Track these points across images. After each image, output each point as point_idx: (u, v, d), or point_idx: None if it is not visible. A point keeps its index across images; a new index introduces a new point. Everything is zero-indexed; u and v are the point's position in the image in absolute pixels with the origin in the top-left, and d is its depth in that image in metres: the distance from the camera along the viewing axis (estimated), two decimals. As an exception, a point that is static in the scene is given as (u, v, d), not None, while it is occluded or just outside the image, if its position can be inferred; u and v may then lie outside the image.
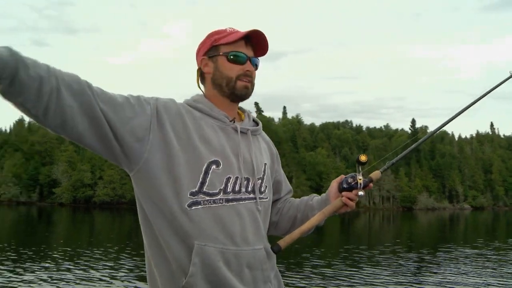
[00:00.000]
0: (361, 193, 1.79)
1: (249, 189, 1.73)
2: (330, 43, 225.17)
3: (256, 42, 1.80)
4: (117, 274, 12.13)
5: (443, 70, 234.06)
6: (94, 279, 11.45)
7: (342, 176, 1.89)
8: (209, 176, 1.63)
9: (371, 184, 1.87)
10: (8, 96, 1.35)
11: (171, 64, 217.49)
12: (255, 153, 1.80)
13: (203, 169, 1.63)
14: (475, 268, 13.96)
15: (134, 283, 11.09)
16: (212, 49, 1.78)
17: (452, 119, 2.29)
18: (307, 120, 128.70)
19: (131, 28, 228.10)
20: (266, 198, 1.81)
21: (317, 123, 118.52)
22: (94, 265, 13.45)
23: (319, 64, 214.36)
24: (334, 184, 1.90)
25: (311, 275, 12.29)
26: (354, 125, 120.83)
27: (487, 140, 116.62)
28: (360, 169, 1.82)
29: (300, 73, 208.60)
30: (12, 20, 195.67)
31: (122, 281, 11.29)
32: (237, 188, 1.69)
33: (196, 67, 1.86)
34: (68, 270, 12.55)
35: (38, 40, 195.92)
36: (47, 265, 13.37)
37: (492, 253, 17.90)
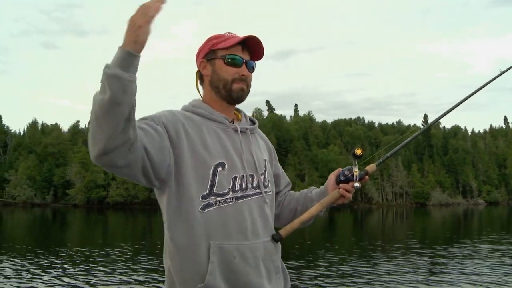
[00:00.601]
0: (357, 184, 1.89)
1: (255, 184, 1.84)
2: (340, 41, 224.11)
3: (252, 47, 1.89)
4: (133, 275, 12.15)
5: (454, 65, 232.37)
6: (110, 280, 11.50)
7: (339, 169, 2.00)
8: (217, 177, 1.74)
9: (367, 177, 1.97)
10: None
11: (181, 64, 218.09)
12: (255, 150, 1.91)
13: (211, 172, 1.74)
14: (490, 263, 13.83)
15: (151, 284, 11.12)
16: (211, 52, 1.88)
17: (445, 114, 2.47)
18: (318, 118, 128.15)
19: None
20: (270, 191, 1.92)
21: (329, 120, 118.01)
22: (110, 266, 13.50)
23: (329, 62, 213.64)
24: (331, 177, 2.01)
25: (326, 272, 12.25)
26: (366, 121, 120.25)
27: (501, 135, 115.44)
28: (356, 162, 1.91)
29: (311, 71, 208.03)
30: (21, 23, 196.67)
31: (139, 282, 11.32)
32: (244, 185, 1.80)
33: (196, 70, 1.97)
34: (84, 271, 12.61)
35: (48, 43, 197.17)
36: (62, 266, 13.46)
37: (508, 247, 17.72)
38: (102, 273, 12.33)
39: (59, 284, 10.76)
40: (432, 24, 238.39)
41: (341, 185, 1.93)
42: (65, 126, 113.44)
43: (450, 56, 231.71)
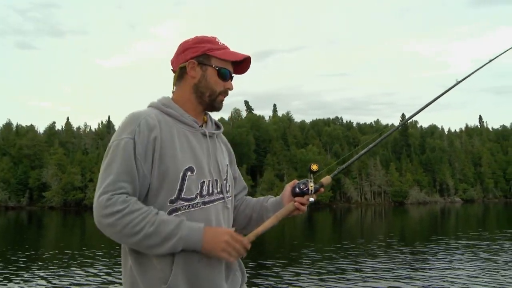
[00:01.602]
0: (311, 199, 1.94)
1: (219, 189, 1.86)
2: (320, 41, 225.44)
3: (241, 63, 1.93)
4: (111, 277, 12.01)
5: (433, 65, 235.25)
6: (88, 282, 11.32)
7: (295, 181, 2.01)
8: (186, 182, 1.75)
9: (322, 189, 1.98)
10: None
11: (161, 65, 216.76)
12: (219, 155, 1.93)
13: (180, 176, 1.74)
14: (467, 259, 14.04)
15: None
16: (204, 56, 1.86)
17: (409, 118, 2.55)
18: (297, 118, 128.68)
19: (120, 30, 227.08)
20: (231, 196, 1.95)
21: (308, 120, 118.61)
22: (88, 268, 13.30)
23: (308, 62, 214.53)
24: (287, 188, 2.02)
25: (308, 270, 12.24)
26: (344, 121, 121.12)
27: (476, 134, 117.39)
28: (312, 176, 1.94)
29: (290, 71, 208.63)
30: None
31: (116, 284, 11.18)
32: (210, 190, 1.82)
33: (171, 64, 1.96)
34: (61, 274, 12.41)
35: (23, 43, 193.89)
36: (38, 270, 13.21)
37: (483, 243, 18.00)
38: (80, 276, 12.14)
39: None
40: (411, 24, 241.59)
41: (296, 198, 1.94)
42: (40, 128, 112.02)
43: (429, 56, 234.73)
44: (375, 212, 60.55)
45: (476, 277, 11.13)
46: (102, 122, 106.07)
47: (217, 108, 1.91)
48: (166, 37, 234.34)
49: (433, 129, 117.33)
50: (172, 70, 1.96)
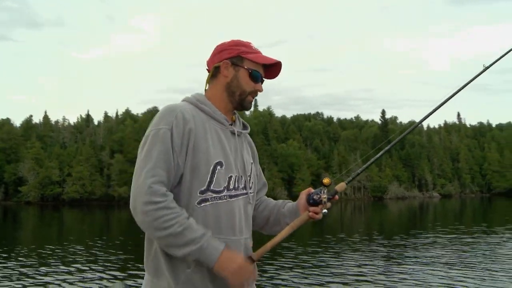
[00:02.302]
0: (325, 210, 2.00)
1: (243, 185, 1.97)
2: (300, 36, 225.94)
3: (271, 67, 2.04)
4: (90, 272, 11.84)
5: (411, 62, 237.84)
6: (67, 278, 11.15)
7: (310, 189, 2.09)
8: (215, 175, 1.86)
9: (336, 196, 2.04)
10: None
11: (140, 58, 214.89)
12: (245, 153, 2.04)
13: (210, 169, 1.85)
14: (445, 252, 14.21)
15: (108, 279, 10.84)
16: (238, 58, 1.98)
17: (428, 115, 2.65)
18: (278, 113, 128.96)
19: (99, 22, 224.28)
20: (253, 192, 2.07)
21: (288, 115, 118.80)
22: (66, 264, 13.12)
23: (289, 57, 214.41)
24: (303, 196, 2.08)
25: (290, 263, 12.22)
26: (325, 116, 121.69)
27: (455, 130, 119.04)
28: (325, 189, 2.01)
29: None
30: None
31: (96, 278, 11.03)
32: (236, 185, 1.93)
33: (206, 64, 2.05)
34: (39, 270, 12.21)
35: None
36: (15, 265, 12.96)
37: (460, 237, 18.22)
38: (60, 271, 11.95)
39: (12, 285, 10.31)
40: (391, 21, 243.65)
41: (311, 208, 2.01)
42: (17, 121, 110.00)
43: (407, 53, 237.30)
44: (354, 207, 61.01)
45: (453, 270, 11.25)
46: (81, 116, 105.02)
47: (246, 107, 2.02)
48: (146, 31, 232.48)
49: (412, 125, 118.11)
50: (207, 69, 2.05)
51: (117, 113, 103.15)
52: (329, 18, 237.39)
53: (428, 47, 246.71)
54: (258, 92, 2.02)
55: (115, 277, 11.06)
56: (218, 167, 1.87)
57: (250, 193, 2.02)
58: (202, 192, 1.83)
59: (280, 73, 2.08)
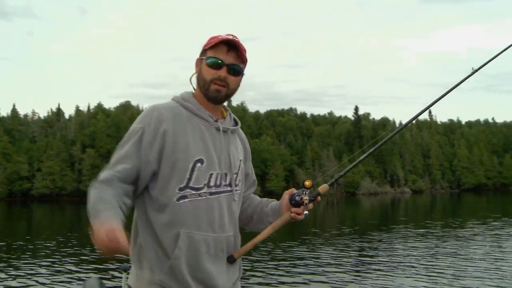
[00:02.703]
0: (306, 212, 2.02)
1: (227, 182, 1.96)
2: (273, 32, 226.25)
3: (239, 49, 1.96)
4: (62, 267, 11.63)
5: (384, 59, 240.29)
6: (38, 273, 10.95)
7: (293, 190, 2.09)
8: (195, 173, 1.87)
9: (318, 198, 2.06)
10: None
11: (113, 52, 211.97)
12: (233, 150, 2.03)
13: (190, 166, 1.87)
14: (416, 246, 14.46)
15: (81, 274, 10.67)
16: (203, 51, 1.99)
17: (418, 115, 2.57)
18: (251, 108, 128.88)
19: (70, 13, 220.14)
20: (239, 190, 2.05)
21: (262, 110, 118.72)
22: (33, 260, 12.84)
23: (262, 52, 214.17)
24: (286, 196, 2.09)
25: (265, 258, 12.20)
26: (298, 112, 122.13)
27: (426, 127, 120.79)
28: (307, 190, 2.02)
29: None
30: None
31: (68, 273, 10.87)
32: (218, 182, 1.93)
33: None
34: (8, 267, 11.90)
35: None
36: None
37: (430, 231, 18.52)
38: (29, 267, 11.69)
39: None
40: (366, 18, 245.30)
41: (293, 209, 2.03)
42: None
43: (380, 50, 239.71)
44: (327, 202, 61.45)
45: (423, 263, 11.41)
46: (51, 109, 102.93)
47: (212, 97, 1.97)
48: (119, 24, 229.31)
49: (385, 121, 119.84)
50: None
51: (89, 107, 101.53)
52: (303, 15, 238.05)
53: (401, 45, 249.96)
54: (221, 78, 1.93)
55: (89, 272, 10.89)
56: (198, 164, 1.88)
57: (236, 190, 2.01)
58: (181, 189, 1.86)
59: (245, 52, 1.97)
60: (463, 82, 2.59)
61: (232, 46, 1.94)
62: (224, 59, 1.93)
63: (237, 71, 1.97)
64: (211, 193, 1.90)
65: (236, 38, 1.96)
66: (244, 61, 2.00)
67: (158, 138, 1.86)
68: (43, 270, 11.31)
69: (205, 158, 1.90)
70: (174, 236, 1.84)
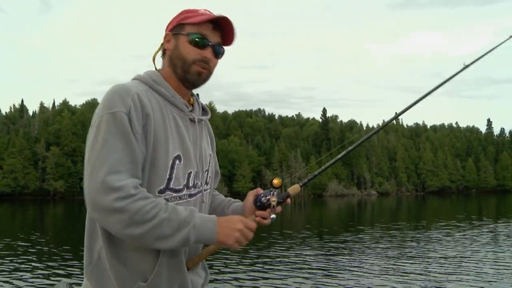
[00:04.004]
0: (273, 216, 1.75)
1: (200, 181, 1.72)
2: (242, 33, 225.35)
3: (225, 29, 1.70)
4: (23, 272, 11.25)
5: (352, 62, 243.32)
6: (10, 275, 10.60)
7: (259, 190, 1.83)
8: (174, 171, 1.59)
9: (288, 200, 1.82)
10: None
11: (79, 48, 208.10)
12: (204, 144, 1.77)
13: (169, 164, 1.58)
14: (381, 247, 14.57)
15: (45, 280, 10.34)
16: (178, 26, 1.69)
17: (404, 111, 2.34)
18: (219, 109, 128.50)
19: (34, 7, 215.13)
20: (209, 188, 1.82)
21: (230, 111, 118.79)
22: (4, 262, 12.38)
23: (230, 53, 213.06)
24: (250, 198, 1.82)
25: (234, 260, 12.07)
26: (266, 113, 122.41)
27: (392, 130, 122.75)
28: (275, 190, 1.77)
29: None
30: None
31: (32, 278, 10.50)
32: (195, 182, 1.68)
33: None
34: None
35: None
36: None
37: (395, 233, 18.73)
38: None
39: None
40: (334, 21, 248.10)
41: (257, 212, 1.74)
42: None
43: (348, 52, 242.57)
44: (294, 203, 61.62)
45: (389, 265, 11.49)
46: (14, 105, 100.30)
47: (192, 80, 1.67)
48: (85, 19, 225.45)
49: (352, 124, 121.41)
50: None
51: (54, 103, 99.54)
52: (271, 16, 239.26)
53: (368, 48, 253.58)
54: (205, 59, 1.66)
55: (55, 276, 10.55)
56: (177, 161, 1.60)
57: (205, 190, 1.75)
58: (161, 191, 1.55)
59: (235, 35, 1.71)
60: (455, 76, 2.46)
61: (217, 24, 1.68)
62: (211, 38, 1.67)
63: (220, 53, 1.72)
64: (190, 195, 1.65)
65: (225, 16, 1.67)
66: (229, 42, 1.74)
67: (147, 126, 1.54)
68: (4, 274, 10.89)
69: (182, 155, 1.62)
70: (152, 249, 1.53)
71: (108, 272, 1.53)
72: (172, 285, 1.59)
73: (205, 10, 1.69)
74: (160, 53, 1.75)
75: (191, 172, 1.66)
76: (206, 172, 1.76)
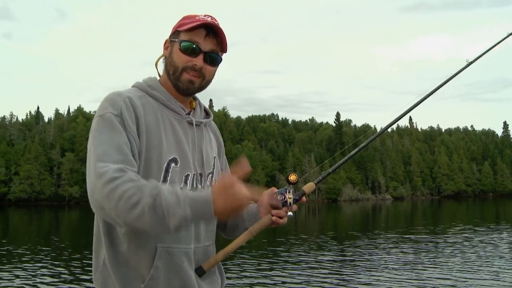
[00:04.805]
0: (290, 213, 1.71)
1: (202, 184, 1.69)
2: (253, 38, 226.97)
3: (219, 36, 1.68)
4: (36, 275, 11.29)
5: (363, 66, 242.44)
6: (13, 279, 10.63)
7: (274, 189, 1.80)
8: (169, 174, 1.58)
9: (304, 198, 1.78)
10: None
11: (94, 54, 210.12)
12: (206, 147, 1.75)
13: (164, 167, 1.58)
14: (396, 252, 14.45)
15: (56, 283, 10.36)
16: (175, 33, 1.69)
17: (414, 107, 2.31)
18: (232, 114, 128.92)
19: (48, 15, 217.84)
20: None
21: (243, 116, 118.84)
22: (8, 268, 12.45)
23: (243, 58, 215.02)
24: (265, 197, 1.79)
25: (247, 266, 12.04)
26: (280, 118, 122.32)
27: (406, 134, 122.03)
28: (291, 187, 1.73)
29: (224, 67, 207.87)
30: None
31: (46, 282, 10.53)
32: (194, 185, 1.65)
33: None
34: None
35: None
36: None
37: (411, 238, 18.56)
38: (3, 274, 11.31)
39: None
40: (344, 25, 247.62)
41: (273, 211, 1.71)
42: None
43: (359, 56, 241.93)
44: (309, 208, 61.44)
45: (405, 269, 11.38)
46: (30, 112, 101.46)
47: (182, 88, 1.66)
48: (97, 26, 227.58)
49: (366, 128, 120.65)
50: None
51: (68, 110, 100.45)
52: (282, 21, 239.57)
53: (379, 52, 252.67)
54: (195, 67, 1.63)
55: (66, 281, 10.59)
56: (172, 164, 1.58)
57: None
58: None
59: (226, 40, 1.67)
60: (457, 76, 2.43)
61: (211, 30, 1.65)
62: (202, 44, 1.63)
63: (215, 60, 1.68)
64: None
65: (216, 21, 1.66)
66: (223, 49, 1.70)
67: (140, 126, 1.55)
68: (22, 279, 10.96)
69: (179, 158, 1.61)
70: (149, 253, 1.54)
71: (111, 277, 1.55)
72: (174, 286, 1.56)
73: (205, 15, 1.66)
74: (162, 59, 1.75)
75: (188, 174, 1.63)
76: (210, 175, 1.73)
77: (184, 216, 1.37)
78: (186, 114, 1.70)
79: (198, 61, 1.63)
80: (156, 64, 1.75)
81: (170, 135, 1.62)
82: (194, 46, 1.63)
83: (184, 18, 1.69)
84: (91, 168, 1.44)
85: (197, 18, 1.65)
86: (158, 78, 1.74)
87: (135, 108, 1.56)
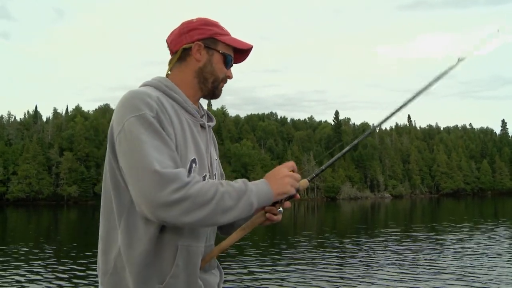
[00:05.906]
0: (281, 209, 1.71)
1: None
2: (252, 36, 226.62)
3: (241, 52, 1.81)
4: (35, 274, 11.28)
5: (362, 64, 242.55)
6: (11, 280, 10.59)
7: None
8: (192, 174, 1.58)
9: (297, 195, 1.74)
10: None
11: (91, 54, 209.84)
12: (211, 149, 1.80)
13: (187, 167, 1.59)
14: (395, 249, 14.45)
15: (55, 282, 10.32)
16: (211, 40, 1.73)
17: (405, 105, 2.09)
18: (231, 113, 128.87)
19: (46, 15, 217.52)
20: None
21: (242, 115, 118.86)
22: (6, 268, 12.39)
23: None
24: None
25: (247, 264, 11.99)
26: (279, 117, 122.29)
27: (405, 132, 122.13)
28: None
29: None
30: None
31: (42, 281, 10.49)
32: None
33: (169, 44, 1.78)
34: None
35: None
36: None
37: (410, 236, 18.56)
38: (3, 274, 11.26)
39: None
40: (344, 24, 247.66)
41: (267, 208, 1.69)
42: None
43: (359, 56, 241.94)
44: (308, 207, 61.46)
45: (403, 267, 11.36)
46: (28, 111, 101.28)
47: (217, 95, 1.79)
48: (96, 25, 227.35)
49: (365, 126, 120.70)
50: (170, 50, 1.77)
51: (67, 109, 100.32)
52: (282, 20, 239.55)
53: (379, 51, 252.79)
54: (229, 79, 1.79)
55: (65, 280, 10.53)
56: (194, 164, 1.61)
57: None
58: None
59: (248, 57, 1.84)
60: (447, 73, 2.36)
61: (240, 51, 1.80)
62: (233, 59, 1.80)
63: None
64: None
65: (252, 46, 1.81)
66: (239, 62, 1.87)
67: (176, 129, 1.57)
68: (19, 277, 10.91)
69: (197, 158, 1.64)
70: (171, 251, 1.54)
71: (126, 280, 1.53)
72: (191, 285, 1.59)
73: (225, 28, 1.79)
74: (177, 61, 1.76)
75: (206, 175, 1.67)
76: (215, 177, 1.78)
77: (252, 204, 1.55)
78: (200, 117, 1.75)
79: (231, 74, 1.79)
80: (172, 63, 1.75)
81: (189, 136, 1.65)
82: (232, 61, 1.77)
83: (213, 25, 1.74)
84: (150, 175, 1.41)
85: (225, 30, 1.76)
86: (167, 78, 1.74)
87: (167, 109, 1.57)
